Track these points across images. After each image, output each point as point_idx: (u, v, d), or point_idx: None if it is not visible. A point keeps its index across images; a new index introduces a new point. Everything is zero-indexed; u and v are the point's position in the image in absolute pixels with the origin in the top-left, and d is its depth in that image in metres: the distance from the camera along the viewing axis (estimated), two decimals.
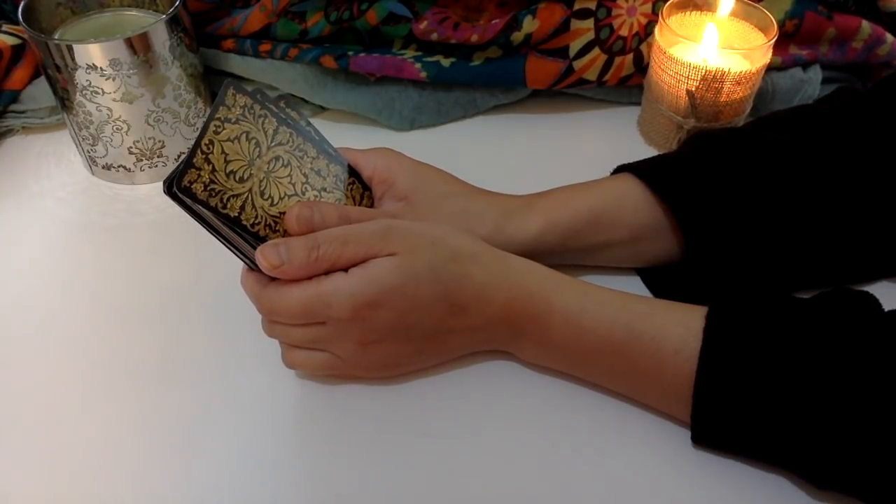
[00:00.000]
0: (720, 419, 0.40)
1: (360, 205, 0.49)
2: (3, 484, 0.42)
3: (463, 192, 0.49)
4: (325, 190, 0.46)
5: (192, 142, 0.40)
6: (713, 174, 0.48)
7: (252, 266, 0.43)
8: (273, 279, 0.42)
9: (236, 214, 0.40)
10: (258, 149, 0.43)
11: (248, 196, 0.41)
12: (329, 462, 0.43)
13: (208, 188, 0.40)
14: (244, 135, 0.42)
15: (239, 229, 0.41)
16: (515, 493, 0.42)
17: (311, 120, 0.63)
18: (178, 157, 0.62)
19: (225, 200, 0.40)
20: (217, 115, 0.41)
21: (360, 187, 0.49)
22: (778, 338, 0.39)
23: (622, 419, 0.45)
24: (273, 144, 0.43)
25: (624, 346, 0.42)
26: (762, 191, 0.47)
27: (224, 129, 0.41)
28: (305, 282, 0.41)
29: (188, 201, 0.39)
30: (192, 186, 0.39)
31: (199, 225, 0.42)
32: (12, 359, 0.49)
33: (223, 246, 0.43)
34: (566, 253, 0.50)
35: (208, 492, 0.42)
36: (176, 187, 0.38)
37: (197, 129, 0.62)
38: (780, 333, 0.39)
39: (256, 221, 0.41)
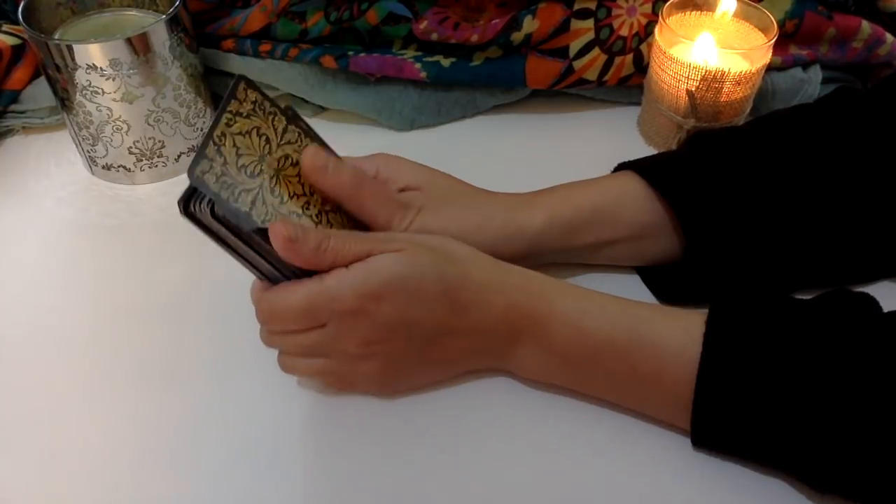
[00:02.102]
0: (721, 423, 0.40)
1: None
2: (3, 484, 0.42)
3: (467, 191, 0.50)
4: None
5: (198, 139, 0.39)
6: (713, 173, 0.48)
7: (264, 279, 0.43)
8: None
9: (247, 210, 0.40)
10: (268, 145, 0.42)
11: (258, 192, 0.41)
12: (329, 464, 0.43)
13: (220, 180, 0.39)
14: (255, 130, 0.42)
15: (255, 241, 0.40)
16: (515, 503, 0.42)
17: (312, 120, 0.63)
18: (178, 157, 0.62)
19: (236, 194, 0.40)
20: (229, 108, 0.41)
21: None
22: (778, 341, 0.39)
23: (622, 430, 0.44)
24: (282, 143, 0.43)
25: (625, 351, 0.42)
26: (762, 190, 0.47)
27: (236, 122, 0.41)
28: (307, 280, 0.41)
29: (204, 220, 0.39)
30: (205, 177, 0.38)
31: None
32: (12, 359, 0.49)
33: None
34: (568, 250, 0.50)
35: (208, 492, 0.42)
36: (189, 176, 0.38)
37: (197, 129, 0.62)
38: (781, 337, 0.39)
39: (267, 219, 0.41)
